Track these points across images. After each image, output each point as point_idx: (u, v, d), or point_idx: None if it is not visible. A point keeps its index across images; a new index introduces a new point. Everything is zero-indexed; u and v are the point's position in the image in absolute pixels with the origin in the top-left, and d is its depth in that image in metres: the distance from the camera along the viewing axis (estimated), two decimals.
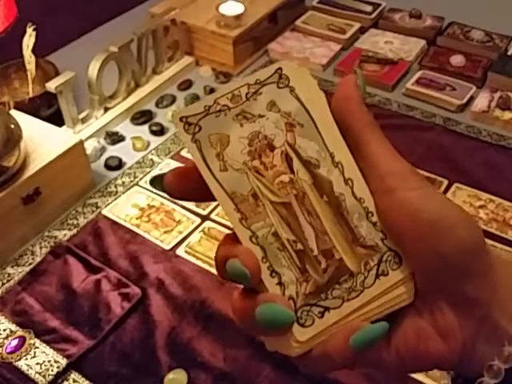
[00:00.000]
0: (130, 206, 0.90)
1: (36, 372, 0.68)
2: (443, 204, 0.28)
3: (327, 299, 0.29)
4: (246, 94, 0.29)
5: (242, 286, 0.30)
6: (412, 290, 0.29)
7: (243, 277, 0.28)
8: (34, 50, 1.01)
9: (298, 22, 1.29)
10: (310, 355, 0.29)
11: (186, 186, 0.30)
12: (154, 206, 0.90)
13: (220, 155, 0.28)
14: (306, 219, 0.29)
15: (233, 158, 0.29)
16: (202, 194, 0.29)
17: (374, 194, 0.29)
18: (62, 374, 0.69)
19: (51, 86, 0.93)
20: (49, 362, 0.69)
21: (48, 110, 1.03)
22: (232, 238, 0.29)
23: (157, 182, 0.30)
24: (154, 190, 0.92)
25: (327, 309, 0.29)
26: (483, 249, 0.28)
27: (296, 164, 0.29)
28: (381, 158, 0.29)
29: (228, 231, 0.92)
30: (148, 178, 0.95)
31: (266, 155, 0.29)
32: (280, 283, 0.28)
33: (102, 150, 1.00)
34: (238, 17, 1.16)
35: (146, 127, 1.05)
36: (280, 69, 0.30)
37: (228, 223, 0.86)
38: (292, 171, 0.29)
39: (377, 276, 0.29)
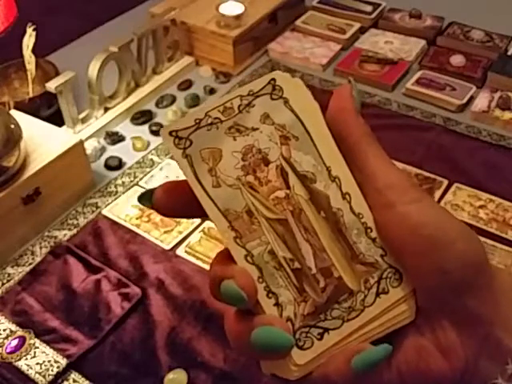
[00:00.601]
0: (130, 206, 0.90)
1: (36, 372, 0.68)
2: (443, 217, 0.27)
3: (326, 320, 0.28)
4: (239, 106, 0.28)
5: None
6: (413, 307, 0.28)
7: (240, 299, 0.26)
8: (34, 50, 1.01)
9: (297, 22, 1.29)
10: (310, 378, 0.28)
11: (176, 202, 0.28)
12: None
13: (212, 170, 0.27)
14: (303, 236, 0.28)
15: (226, 174, 0.27)
16: (193, 211, 0.28)
17: (373, 209, 0.28)
18: (62, 374, 0.69)
19: (51, 85, 0.93)
20: (49, 361, 0.69)
21: (48, 109, 1.03)
22: (226, 256, 0.28)
23: (145, 198, 0.29)
24: None
25: (327, 330, 0.27)
26: (485, 262, 0.28)
27: (292, 179, 0.28)
28: (378, 171, 0.28)
29: None
30: (148, 177, 0.95)
31: (260, 170, 0.28)
32: (277, 304, 0.27)
33: (102, 150, 1.00)
34: (238, 17, 1.16)
35: (146, 127, 1.05)
36: (273, 79, 0.29)
37: None
38: (288, 186, 0.28)
39: (377, 294, 0.28)
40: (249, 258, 0.27)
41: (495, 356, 0.27)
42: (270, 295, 0.27)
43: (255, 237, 0.27)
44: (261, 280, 0.27)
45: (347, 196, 0.28)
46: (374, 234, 0.28)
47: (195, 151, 0.27)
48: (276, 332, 0.26)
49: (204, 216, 0.28)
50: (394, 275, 0.28)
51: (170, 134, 0.27)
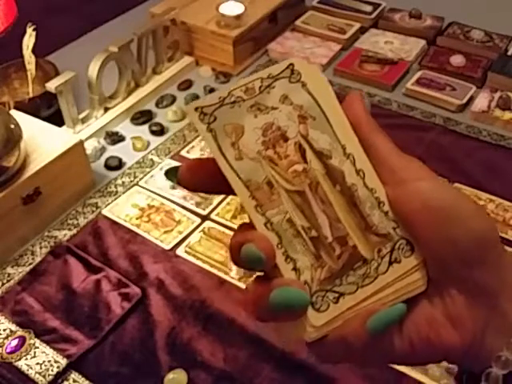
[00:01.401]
0: (130, 206, 0.90)
1: (36, 372, 0.68)
2: (455, 194, 0.29)
3: (342, 285, 0.29)
4: (260, 87, 0.30)
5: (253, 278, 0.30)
6: (425, 277, 0.30)
7: (258, 261, 0.28)
8: (34, 50, 1.01)
9: (298, 22, 1.29)
10: (326, 340, 0.29)
11: (200, 178, 0.30)
12: (153, 206, 0.90)
13: (235, 144, 0.29)
14: (319, 207, 0.29)
15: (248, 148, 0.29)
16: (215, 187, 0.30)
17: (386, 185, 0.30)
18: (62, 374, 0.68)
19: (51, 86, 0.93)
20: (49, 361, 0.69)
21: (48, 110, 1.03)
22: (247, 226, 0.29)
23: (171, 173, 0.30)
24: (154, 190, 0.92)
25: (342, 294, 0.29)
26: (496, 239, 0.29)
27: (309, 154, 0.30)
28: (390, 156, 0.30)
29: (228, 231, 0.91)
30: (148, 177, 0.95)
31: (279, 145, 0.29)
32: (295, 269, 0.28)
33: (102, 149, 1.00)
34: (238, 17, 1.16)
35: (145, 127, 1.05)
36: (292, 64, 0.31)
37: (228, 223, 0.86)
38: (305, 161, 0.30)
39: (390, 263, 0.30)
40: (268, 225, 0.29)
41: (501, 329, 0.28)
42: (289, 260, 0.29)
43: (274, 206, 0.29)
44: (279, 246, 0.29)
45: (361, 172, 0.30)
46: (386, 208, 0.30)
47: (219, 126, 0.29)
48: (293, 291, 0.28)
49: (224, 192, 0.30)
50: (406, 246, 0.30)
51: (196, 109, 0.29)
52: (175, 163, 0.97)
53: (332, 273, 0.29)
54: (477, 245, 0.28)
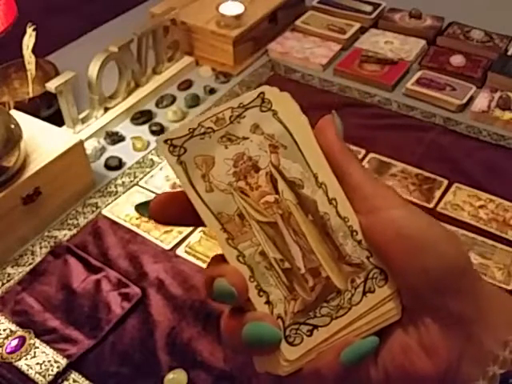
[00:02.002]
0: (130, 206, 0.90)
1: (36, 372, 0.68)
2: (426, 221, 0.29)
3: (316, 317, 0.29)
4: (230, 117, 0.30)
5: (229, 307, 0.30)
6: (399, 306, 0.29)
7: (230, 296, 0.28)
8: (34, 50, 1.01)
9: (298, 22, 1.29)
10: (301, 374, 0.29)
11: (171, 212, 0.30)
12: None
13: (206, 176, 0.29)
14: (292, 238, 0.29)
15: (218, 179, 0.29)
16: (188, 220, 0.30)
17: (358, 214, 0.30)
18: (62, 374, 0.69)
19: (51, 86, 0.93)
20: (49, 361, 0.69)
21: (48, 110, 1.03)
22: (220, 259, 0.29)
23: (142, 208, 0.31)
24: (154, 190, 0.92)
25: (316, 327, 0.29)
26: (467, 265, 0.28)
27: (281, 184, 0.29)
28: (363, 183, 0.30)
29: None
30: (148, 177, 0.95)
31: (251, 176, 0.29)
32: (268, 302, 0.28)
33: (102, 149, 1.00)
34: (237, 17, 1.16)
35: (145, 127, 1.05)
36: (262, 93, 0.31)
37: None
38: (277, 191, 0.29)
39: (364, 293, 0.29)
40: (240, 259, 0.28)
41: (477, 358, 0.28)
42: (261, 293, 0.28)
43: (246, 238, 0.29)
44: (252, 279, 0.28)
45: (333, 201, 0.30)
46: (359, 237, 0.30)
47: (189, 158, 0.29)
48: (265, 327, 0.28)
49: (197, 225, 0.30)
50: (379, 275, 0.30)
51: (165, 142, 0.29)
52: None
53: (305, 305, 0.29)
54: (448, 272, 0.28)
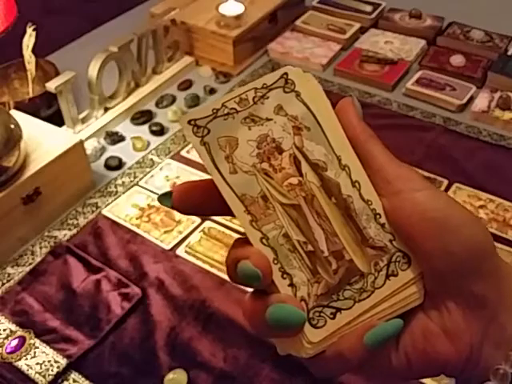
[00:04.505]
0: (130, 206, 0.90)
1: (36, 372, 0.68)
2: (450, 204, 0.28)
3: (339, 300, 0.29)
4: (253, 97, 0.30)
5: (251, 290, 0.30)
6: (422, 290, 0.29)
7: (255, 278, 0.28)
8: (34, 50, 1.01)
9: (298, 22, 1.29)
10: (324, 356, 0.29)
11: (193, 201, 0.30)
12: (153, 206, 0.90)
13: (229, 158, 0.29)
14: (315, 221, 0.29)
15: (242, 161, 0.29)
16: (209, 209, 0.30)
17: (381, 197, 0.29)
18: (62, 374, 0.69)
19: (51, 86, 0.93)
20: (49, 361, 0.69)
21: (48, 110, 1.03)
22: (242, 242, 0.29)
23: (165, 198, 0.30)
24: (154, 190, 0.92)
25: (339, 310, 0.29)
26: (490, 249, 0.28)
27: (304, 167, 0.29)
28: (386, 165, 0.29)
29: (228, 231, 0.91)
30: (148, 177, 0.95)
31: (274, 158, 0.29)
32: (291, 284, 0.28)
33: (102, 149, 1.00)
34: (237, 17, 1.16)
35: (145, 127, 1.05)
36: (286, 74, 0.30)
37: (228, 223, 0.86)
38: (300, 174, 0.29)
39: (387, 276, 0.29)
40: (264, 241, 0.28)
41: (499, 341, 0.28)
42: (285, 276, 0.28)
43: (270, 220, 0.28)
44: (276, 261, 0.28)
45: (357, 184, 0.30)
46: (382, 220, 0.29)
47: (213, 139, 0.29)
48: (289, 309, 0.28)
49: (218, 214, 0.30)
50: (402, 259, 0.29)
51: (189, 122, 0.29)
52: (175, 163, 0.97)
53: (329, 288, 0.29)
54: (473, 255, 0.28)
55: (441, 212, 0.28)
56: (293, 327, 0.28)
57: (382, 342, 0.28)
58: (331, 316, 0.29)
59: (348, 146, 0.30)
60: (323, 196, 0.29)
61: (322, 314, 0.28)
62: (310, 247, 0.29)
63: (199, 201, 0.30)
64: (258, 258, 0.28)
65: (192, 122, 0.29)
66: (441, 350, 0.28)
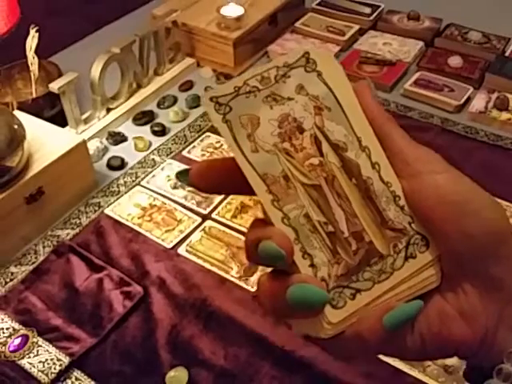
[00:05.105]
0: (132, 206, 0.91)
1: (39, 370, 0.69)
2: (470, 187, 0.29)
3: (358, 281, 0.29)
4: (275, 76, 0.29)
5: (269, 270, 0.30)
6: (439, 272, 0.29)
7: (278, 257, 0.27)
8: (37, 51, 1.01)
9: (297, 24, 1.30)
10: (343, 337, 0.29)
11: (210, 179, 0.30)
12: (155, 206, 0.90)
13: (251, 136, 0.28)
14: (336, 202, 0.29)
15: (263, 140, 0.28)
16: (227, 188, 0.30)
17: (401, 179, 0.29)
18: (65, 373, 0.69)
19: (54, 86, 0.93)
20: (51, 360, 0.70)
21: (51, 110, 1.03)
22: (261, 223, 0.29)
23: (182, 175, 0.30)
24: (156, 190, 0.93)
25: (359, 290, 0.29)
26: (509, 234, 0.29)
27: (325, 147, 0.29)
28: (405, 147, 0.29)
29: (228, 231, 0.91)
30: (149, 177, 0.96)
31: (295, 137, 0.29)
32: (312, 265, 0.28)
33: (105, 150, 1.01)
34: (238, 19, 1.17)
35: (147, 128, 1.06)
36: (307, 53, 0.30)
37: (228, 223, 0.87)
38: (321, 154, 0.29)
39: (406, 258, 0.29)
40: (285, 221, 0.28)
41: None
42: (306, 256, 0.28)
43: (291, 200, 0.28)
44: (297, 241, 0.28)
45: (376, 165, 0.30)
46: (402, 202, 0.29)
47: (235, 117, 0.28)
48: (311, 288, 0.28)
49: (235, 193, 0.29)
50: (421, 241, 0.29)
51: (211, 99, 0.28)
52: (177, 163, 0.98)
53: (349, 269, 0.29)
54: (491, 238, 0.28)
55: (461, 195, 0.28)
56: (314, 307, 0.28)
57: (400, 323, 0.28)
58: (351, 297, 0.29)
59: (368, 127, 0.30)
60: (344, 177, 0.29)
61: (341, 295, 0.28)
62: (330, 228, 0.29)
63: (218, 179, 0.30)
64: (280, 238, 0.28)
65: (214, 99, 0.28)
66: (456, 331, 0.28)
